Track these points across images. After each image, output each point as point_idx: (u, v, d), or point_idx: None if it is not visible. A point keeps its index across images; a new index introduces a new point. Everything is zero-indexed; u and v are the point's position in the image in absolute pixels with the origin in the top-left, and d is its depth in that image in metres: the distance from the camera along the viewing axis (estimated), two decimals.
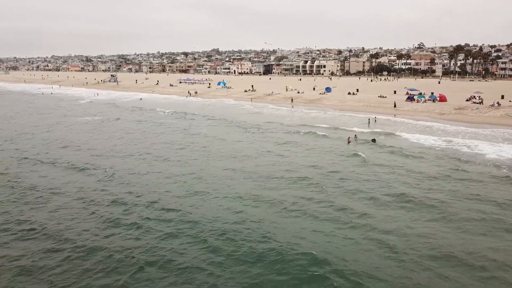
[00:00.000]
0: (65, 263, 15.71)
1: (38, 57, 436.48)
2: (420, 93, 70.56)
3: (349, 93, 78.66)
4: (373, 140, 37.04)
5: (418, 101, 62.72)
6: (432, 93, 68.38)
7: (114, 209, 21.08)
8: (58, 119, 57.06)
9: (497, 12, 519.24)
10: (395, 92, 77.55)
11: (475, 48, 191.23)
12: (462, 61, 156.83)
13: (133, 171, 28.15)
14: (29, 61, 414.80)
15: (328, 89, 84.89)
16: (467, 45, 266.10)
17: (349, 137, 37.84)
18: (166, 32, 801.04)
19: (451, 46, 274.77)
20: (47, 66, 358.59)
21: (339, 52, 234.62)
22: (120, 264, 15.47)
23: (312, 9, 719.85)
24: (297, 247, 16.45)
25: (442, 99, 61.82)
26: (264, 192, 23.14)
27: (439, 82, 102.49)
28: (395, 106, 60.82)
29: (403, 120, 50.37)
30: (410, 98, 64.70)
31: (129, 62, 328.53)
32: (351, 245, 16.75)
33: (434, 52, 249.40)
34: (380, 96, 70.68)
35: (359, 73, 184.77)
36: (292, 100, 73.62)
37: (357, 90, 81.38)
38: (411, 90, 75.97)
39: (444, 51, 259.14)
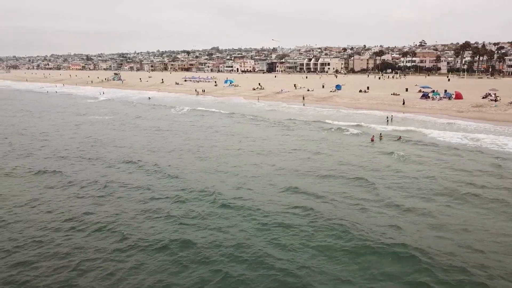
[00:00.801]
0: (140, 262, 15.17)
1: (38, 56, 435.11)
2: (433, 91, 69.86)
3: (360, 91, 77.97)
4: (399, 139, 36.34)
5: (433, 99, 61.95)
6: (446, 91, 67.66)
7: (174, 206, 20.60)
8: (78, 117, 56.06)
9: (497, 12, 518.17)
10: (407, 89, 76.89)
11: (477, 46, 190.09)
12: (468, 59, 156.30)
13: (177, 167, 27.69)
14: (29, 60, 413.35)
15: (338, 87, 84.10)
16: (467, 42, 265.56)
17: (373, 136, 37.06)
18: (166, 32, 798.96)
19: (452, 43, 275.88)
20: (48, 64, 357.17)
21: (344, 49, 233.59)
22: (196, 263, 15.04)
23: (312, 9, 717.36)
24: (370, 240, 16.24)
25: (458, 96, 61.08)
26: (314, 189, 22.63)
27: (448, 80, 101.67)
28: (403, 103, 60.30)
29: (422, 118, 49.69)
30: (425, 96, 63.95)
31: (130, 60, 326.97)
32: (428, 240, 16.37)
33: (436, 49, 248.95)
34: (393, 94, 69.98)
35: (363, 71, 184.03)
36: (303, 98, 72.90)
37: (368, 88, 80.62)
38: (423, 87, 75.04)
39: (446, 48, 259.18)
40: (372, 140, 36.04)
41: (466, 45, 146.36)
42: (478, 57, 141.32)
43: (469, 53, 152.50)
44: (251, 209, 19.71)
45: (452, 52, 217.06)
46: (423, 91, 72.58)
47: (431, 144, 34.22)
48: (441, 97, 62.46)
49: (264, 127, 45.38)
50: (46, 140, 38.98)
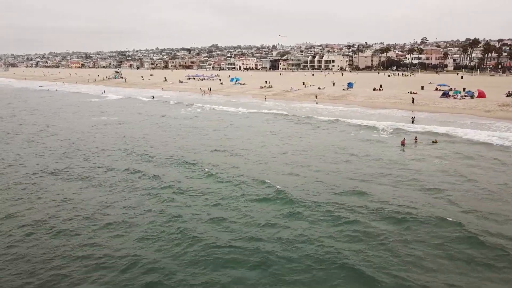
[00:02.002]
0: (219, 264, 14.56)
1: (36, 54, 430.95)
2: (451, 89, 67.23)
3: (374, 89, 75.16)
4: (434, 142, 33.49)
5: (455, 97, 59.16)
6: (464, 89, 64.88)
7: (243, 211, 19.51)
8: (95, 118, 53.32)
9: (497, 12, 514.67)
10: (422, 87, 74.02)
11: (489, 43, 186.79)
12: (474, 55, 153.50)
13: (229, 168, 26.59)
14: (27, 58, 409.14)
15: (350, 85, 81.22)
16: (468, 39, 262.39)
17: (404, 139, 33.99)
18: (166, 31, 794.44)
19: (453, 40, 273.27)
20: (46, 62, 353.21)
21: (349, 46, 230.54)
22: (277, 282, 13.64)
23: (310, 9, 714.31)
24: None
25: (481, 95, 58.22)
26: (382, 195, 21.11)
27: (461, 77, 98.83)
28: (413, 102, 57.93)
29: (447, 118, 46.96)
30: (446, 94, 61.11)
31: (129, 58, 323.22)
32: None
33: (439, 47, 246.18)
34: (411, 92, 67.05)
35: (367, 68, 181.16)
36: (316, 96, 70.04)
37: (381, 86, 77.72)
38: (440, 85, 72.43)
39: (449, 45, 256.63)
40: (403, 144, 33.04)
41: (475, 42, 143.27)
42: (487, 54, 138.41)
43: (478, 50, 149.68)
44: (327, 215, 18.36)
45: (456, 49, 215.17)
46: (440, 89, 70.01)
47: (475, 145, 32.10)
48: (462, 96, 59.63)
49: (289, 126, 44.33)
50: (82, 140, 37.96)
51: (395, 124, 42.94)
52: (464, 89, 64.90)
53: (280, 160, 28.94)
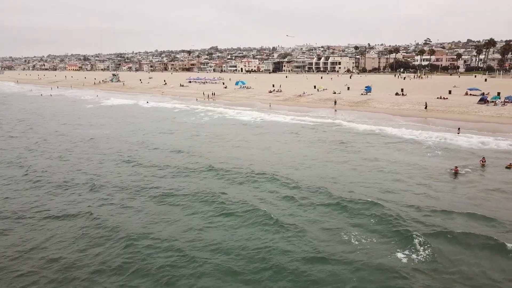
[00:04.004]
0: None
1: (34, 57, 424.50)
2: (483, 93, 60.45)
3: (396, 94, 68.16)
4: (509, 167, 26.29)
5: (495, 104, 52.13)
6: (498, 93, 57.87)
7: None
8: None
9: (497, 12, 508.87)
10: (450, 92, 67.05)
11: (509, 43, 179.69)
12: (485, 57, 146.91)
13: (287, 179, 24.31)
14: (25, 61, 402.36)
15: (368, 89, 74.13)
16: (470, 40, 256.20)
17: (456, 167, 25.66)
18: (164, 30, 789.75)
19: (454, 41, 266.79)
20: (44, 65, 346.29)
21: (356, 47, 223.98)
22: None
23: (309, 10, 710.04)
24: None
25: None
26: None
27: (485, 80, 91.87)
28: (426, 107, 52.30)
29: (497, 130, 39.91)
30: (483, 100, 54.08)
31: (128, 60, 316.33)
32: None
33: (443, 48, 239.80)
34: (440, 98, 60.10)
35: (375, 70, 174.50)
36: (335, 102, 62.94)
37: (402, 90, 70.74)
38: (471, 89, 65.48)
39: (453, 46, 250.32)
40: (456, 172, 25.14)
41: (492, 42, 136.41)
42: (505, 55, 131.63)
43: (492, 51, 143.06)
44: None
45: (463, 50, 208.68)
46: (471, 94, 63.20)
47: None
48: (503, 102, 52.56)
49: (324, 136, 39.47)
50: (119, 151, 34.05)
51: (440, 136, 36.32)
52: (498, 94, 57.99)
53: (350, 177, 25.25)
